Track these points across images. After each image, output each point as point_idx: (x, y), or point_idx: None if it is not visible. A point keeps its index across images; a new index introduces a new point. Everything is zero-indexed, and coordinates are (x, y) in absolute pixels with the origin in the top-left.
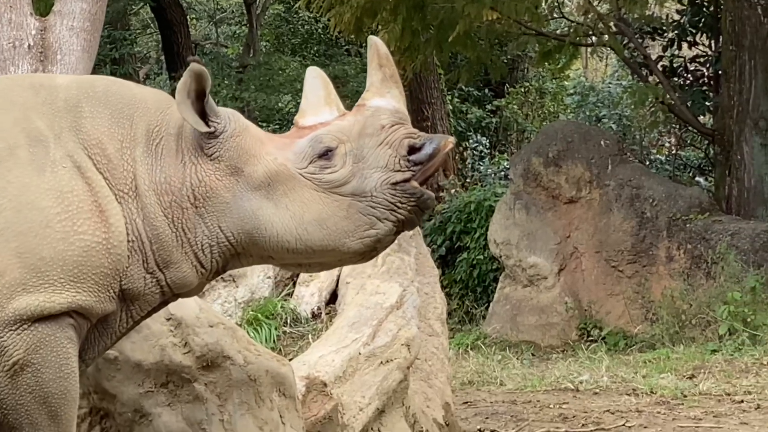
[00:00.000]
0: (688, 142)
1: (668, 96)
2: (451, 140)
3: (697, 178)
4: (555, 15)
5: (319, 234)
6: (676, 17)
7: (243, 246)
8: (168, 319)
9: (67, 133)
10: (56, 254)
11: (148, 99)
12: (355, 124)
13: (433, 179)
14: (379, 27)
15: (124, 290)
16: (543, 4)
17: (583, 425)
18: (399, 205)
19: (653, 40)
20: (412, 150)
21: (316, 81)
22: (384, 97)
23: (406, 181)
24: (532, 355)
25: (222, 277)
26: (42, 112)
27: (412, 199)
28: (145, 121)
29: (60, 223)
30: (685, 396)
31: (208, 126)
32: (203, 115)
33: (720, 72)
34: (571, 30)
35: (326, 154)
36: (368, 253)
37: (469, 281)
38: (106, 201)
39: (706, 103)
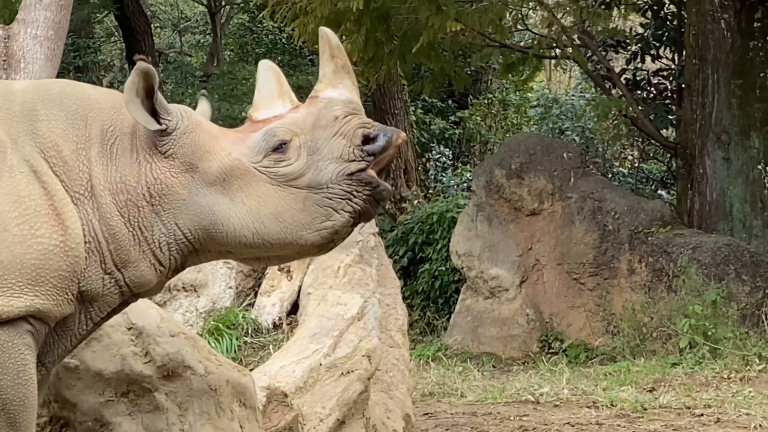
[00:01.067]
0: (651, 155)
1: (631, 109)
2: (402, 135)
3: (659, 192)
4: (519, 27)
5: (275, 227)
6: (640, 30)
7: (201, 242)
8: (129, 329)
9: (24, 138)
10: (14, 258)
11: (101, 99)
12: (308, 116)
13: (396, 190)
14: (343, 37)
15: (82, 292)
16: (507, 16)
17: None
18: (355, 194)
19: (617, 53)
20: (366, 140)
21: (268, 74)
22: (336, 88)
23: (361, 170)
24: (493, 366)
25: (183, 287)
26: (0, 118)
27: (368, 188)
28: (100, 121)
29: (18, 227)
30: (645, 409)
31: (160, 123)
32: (154, 112)
33: (683, 85)
34: (535, 42)
35: (280, 147)
36: (326, 245)
37: (431, 292)
38: (62, 204)
39: (669, 117)
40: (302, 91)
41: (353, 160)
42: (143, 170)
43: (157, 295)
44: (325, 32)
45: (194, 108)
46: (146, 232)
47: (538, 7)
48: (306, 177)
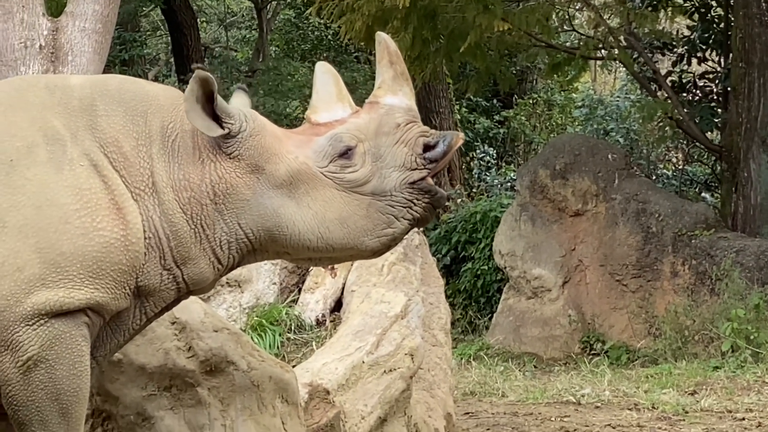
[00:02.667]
0: (695, 157)
1: (676, 111)
2: (461, 136)
3: (703, 194)
4: (565, 27)
5: (339, 232)
6: (687, 33)
7: (261, 243)
8: (173, 323)
9: (84, 132)
10: (76, 249)
11: (160, 96)
12: (371, 122)
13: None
14: (390, 35)
15: (139, 287)
16: (554, 16)
17: None
18: (415, 202)
19: (663, 55)
20: (427, 148)
21: (326, 76)
22: (396, 94)
23: (423, 179)
24: (535, 367)
25: (227, 282)
26: (58, 111)
27: (427, 196)
28: (159, 118)
29: (79, 219)
30: (687, 412)
31: (222, 128)
32: (215, 117)
33: (729, 88)
34: (582, 43)
35: (346, 153)
36: (383, 250)
37: (473, 291)
38: (122, 198)
39: (714, 120)
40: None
41: (415, 169)
42: (207, 169)
43: (208, 292)
44: (383, 38)
45: (227, 100)
46: (208, 230)
47: (584, 8)
48: (371, 184)
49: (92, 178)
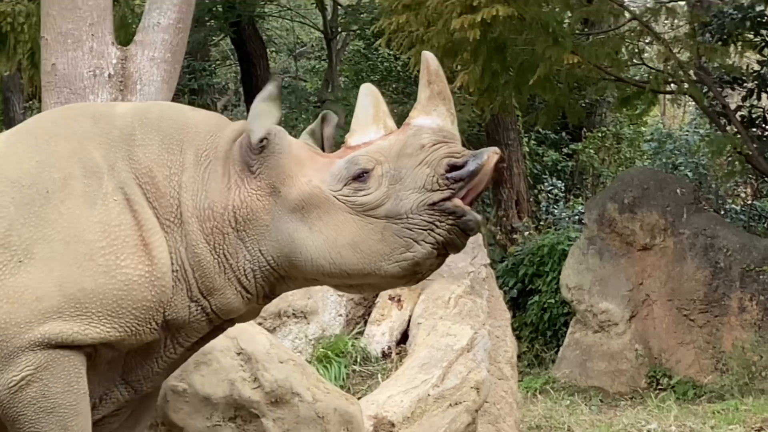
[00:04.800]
0: (765, 192)
1: (746, 146)
2: (497, 152)
3: None
4: (635, 61)
5: (352, 258)
6: (756, 68)
7: (284, 269)
8: (238, 354)
9: (121, 163)
10: (97, 287)
11: (199, 123)
12: (395, 143)
13: (507, 221)
14: (459, 67)
15: (168, 320)
16: (623, 49)
17: None
18: (437, 225)
19: (732, 89)
20: (453, 168)
21: (367, 98)
22: (430, 115)
23: (446, 200)
24: (601, 401)
25: (294, 313)
26: (99, 142)
27: (451, 218)
28: (195, 146)
29: (103, 257)
30: None
31: (261, 141)
32: None
33: None
34: (651, 77)
35: (361, 176)
36: (409, 276)
37: (540, 324)
38: (150, 233)
39: None
40: None
41: (436, 190)
42: (232, 195)
43: (254, 319)
44: (426, 57)
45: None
46: (231, 260)
47: (654, 42)
48: (385, 207)
49: (123, 213)
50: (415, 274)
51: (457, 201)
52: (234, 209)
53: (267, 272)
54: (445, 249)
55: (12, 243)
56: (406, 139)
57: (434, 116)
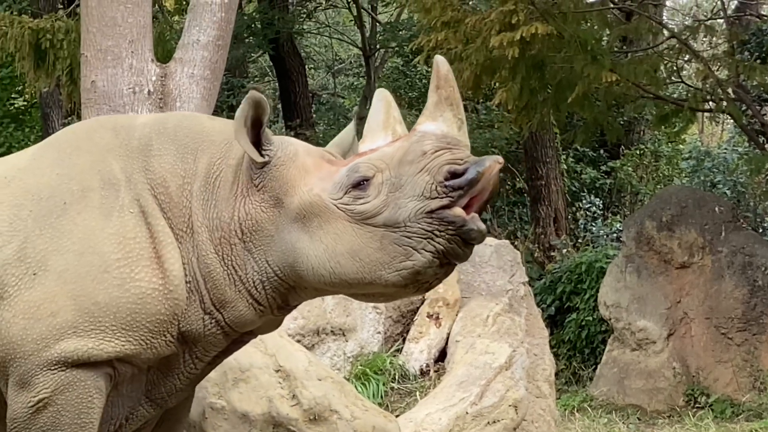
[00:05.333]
0: None
1: None
2: (499, 160)
3: None
4: (673, 79)
5: (351, 267)
6: None
7: (292, 279)
8: (277, 371)
9: (138, 175)
10: (110, 300)
11: (215, 132)
12: (398, 150)
13: (545, 239)
14: (498, 85)
15: (183, 332)
16: (662, 67)
17: None
18: (437, 233)
19: None
20: (454, 175)
21: (379, 104)
22: (435, 121)
23: (444, 208)
24: (638, 419)
25: (332, 331)
26: (118, 153)
27: (450, 227)
28: (208, 155)
29: (118, 269)
30: None
31: (262, 156)
32: (258, 144)
33: None
34: (690, 95)
35: (361, 183)
36: (411, 285)
37: (578, 342)
38: (163, 245)
39: None
40: None
41: (435, 197)
42: (238, 205)
43: (274, 331)
44: (436, 61)
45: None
46: (240, 271)
47: (693, 60)
48: (383, 215)
49: (138, 226)
50: (418, 283)
51: (458, 210)
52: (240, 220)
53: (276, 283)
54: (446, 257)
55: (27, 255)
56: (409, 145)
57: (440, 122)
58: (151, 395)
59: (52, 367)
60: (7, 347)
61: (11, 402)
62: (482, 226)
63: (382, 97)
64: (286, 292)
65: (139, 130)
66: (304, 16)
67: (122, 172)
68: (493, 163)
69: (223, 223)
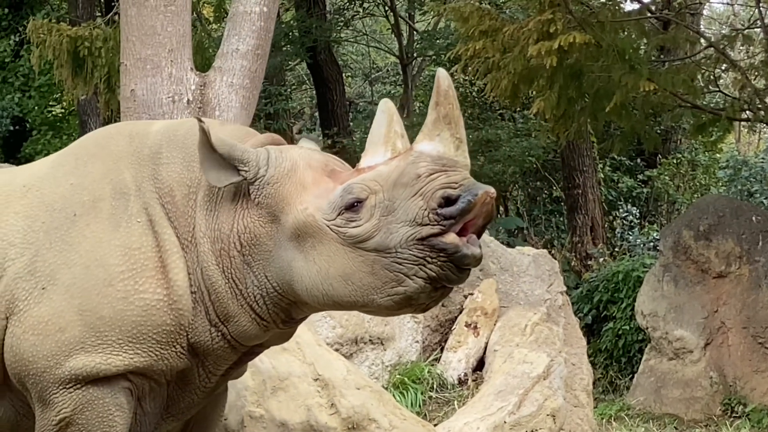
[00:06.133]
0: None
1: None
2: (491, 192)
3: None
4: (711, 88)
5: (344, 290)
6: None
7: (291, 295)
8: (315, 380)
9: (147, 183)
10: (115, 314)
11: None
12: (393, 171)
13: (582, 247)
14: (535, 93)
15: (192, 344)
16: (699, 77)
17: None
18: (428, 261)
19: None
20: (448, 201)
21: (382, 116)
22: (432, 140)
23: (435, 235)
24: (675, 428)
25: (370, 340)
26: (131, 162)
27: (442, 254)
28: None
29: (122, 282)
30: None
31: (239, 174)
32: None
33: None
34: (727, 104)
35: (354, 205)
36: (405, 308)
37: (614, 351)
38: (168, 254)
39: None
40: (491, 144)
41: (426, 224)
42: (237, 217)
43: (286, 342)
44: (438, 75)
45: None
46: (240, 285)
47: (730, 69)
48: (374, 240)
49: (144, 235)
50: (412, 306)
51: (450, 237)
52: (239, 233)
53: (276, 298)
54: (440, 282)
55: (37, 269)
56: (404, 166)
57: (437, 141)
58: (171, 411)
59: (67, 386)
60: (20, 364)
61: (38, 418)
62: (477, 251)
63: (385, 109)
64: (288, 307)
65: (152, 138)
66: (342, 24)
67: (133, 180)
68: (484, 193)
69: (223, 234)
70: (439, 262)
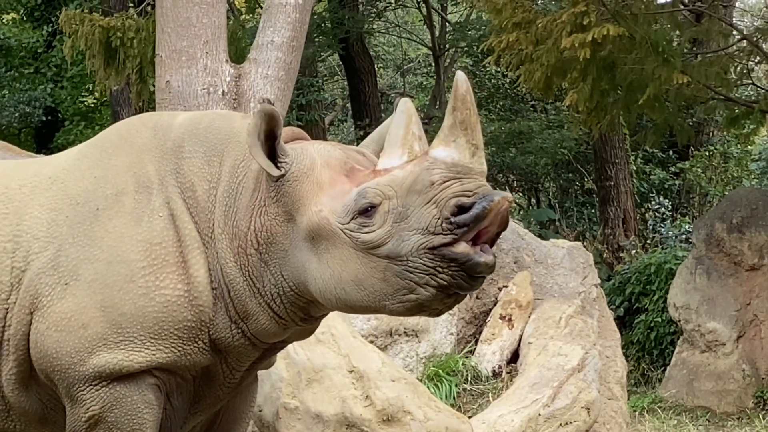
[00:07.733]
0: None
1: None
2: (509, 198)
3: None
4: (744, 80)
5: (357, 295)
6: None
7: (308, 295)
8: (350, 372)
9: (170, 177)
10: (136, 310)
11: (243, 132)
12: (408, 176)
13: (614, 239)
14: (568, 86)
15: (214, 340)
16: (732, 69)
17: None
18: (439, 270)
19: None
20: (461, 209)
21: (400, 117)
22: (448, 146)
23: (447, 245)
24: (708, 421)
25: (405, 332)
26: (154, 155)
27: (453, 264)
28: (233, 157)
29: (144, 277)
30: None
31: (278, 168)
32: (274, 156)
33: None
34: (760, 97)
35: (368, 210)
36: (417, 314)
37: (647, 343)
38: (189, 250)
39: None
40: (523, 136)
41: (438, 233)
42: (255, 215)
43: (309, 338)
44: (456, 78)
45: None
46: (258, 283)
47: (763, 62)
48: (386, 247)
49: (166, 230)
50: (425, 312)
51: (462, 246)
52: (255, 231)
53: (293, 297)
54: (452, 290)
55: (61, 264)
56: (419, 172)
57: (452, 148)
58: (197, 406)
59: (93, 383)
60: (45, 360)
61: (69, 414)
62: (489, 259)
63: (404, 110)
64: (305, 306)
65: (175, 131)
66: (374, 15)
67: (156, 174)
68: (502, 199)
69: (240, 231)
70: (450, 272)
